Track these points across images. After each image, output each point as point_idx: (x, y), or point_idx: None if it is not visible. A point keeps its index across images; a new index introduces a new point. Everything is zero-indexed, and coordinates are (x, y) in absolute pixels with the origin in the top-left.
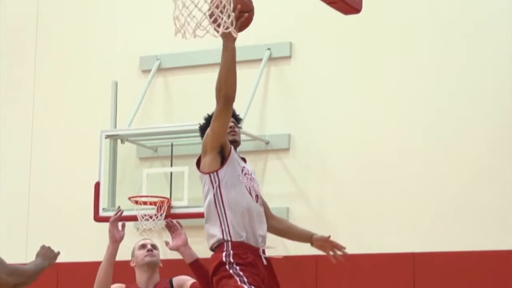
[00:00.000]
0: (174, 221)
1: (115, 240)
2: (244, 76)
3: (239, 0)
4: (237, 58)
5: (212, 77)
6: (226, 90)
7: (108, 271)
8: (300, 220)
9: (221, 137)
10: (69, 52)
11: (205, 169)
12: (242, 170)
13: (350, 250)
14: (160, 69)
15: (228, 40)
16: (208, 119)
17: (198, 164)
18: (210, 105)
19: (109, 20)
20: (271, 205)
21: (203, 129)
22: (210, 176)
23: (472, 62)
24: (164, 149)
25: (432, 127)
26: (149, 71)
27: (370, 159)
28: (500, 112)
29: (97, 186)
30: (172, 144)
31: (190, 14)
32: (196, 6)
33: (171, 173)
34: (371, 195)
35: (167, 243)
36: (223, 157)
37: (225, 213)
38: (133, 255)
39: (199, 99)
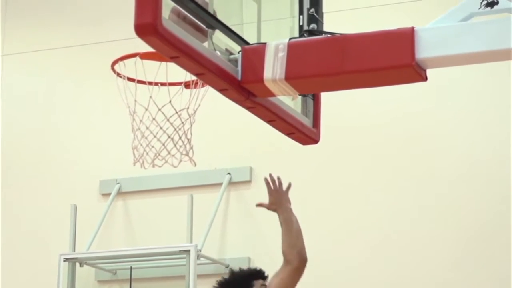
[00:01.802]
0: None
1: None
2: (204, 200)
3: None
4: (197, 183)
5: (172, 201)
6: (300, 247)
7: None
8: None
9: None
10: (28, 175)
11: None
12: None
13: None
14: (120, 193)
15: (286, 211)
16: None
17: None
18: (169, 229)
19: (69, 144)
20: None
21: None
22: None
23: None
24: (123, 272)
25: (400, 246)
26: (109, 194)
27: (333, 284)
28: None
29: None
30: (131, 268)
31: (149, 144)
32: (155, 136)
33: None
34: None
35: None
36: None
37: None
38: None
39: (158, 223)
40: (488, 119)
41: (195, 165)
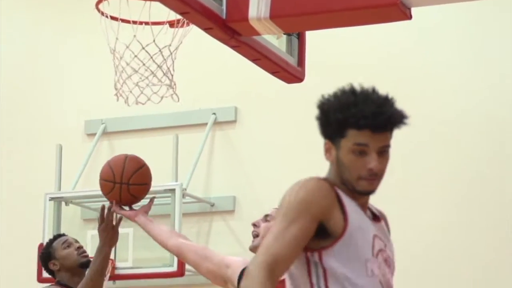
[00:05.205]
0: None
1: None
2: (189, 140)
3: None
4: (183, 122)
5: (157, 141)
6: None
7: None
8: None
9: None
10: (14, 116)
11: None
12: None
13: None
14: (105, 133)
15: None
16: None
17: None
18: (154, 168)
19: (54, 84)
20: None
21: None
22: None
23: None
24: None
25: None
26: (94, 134)
27: None
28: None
29: (40, 247)
30: None
31: (130, 80)
32: (136, 71)
33: None
34: None
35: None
36: None
37: None
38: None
39: None
40: (480, 58)
41: (178, 100)
